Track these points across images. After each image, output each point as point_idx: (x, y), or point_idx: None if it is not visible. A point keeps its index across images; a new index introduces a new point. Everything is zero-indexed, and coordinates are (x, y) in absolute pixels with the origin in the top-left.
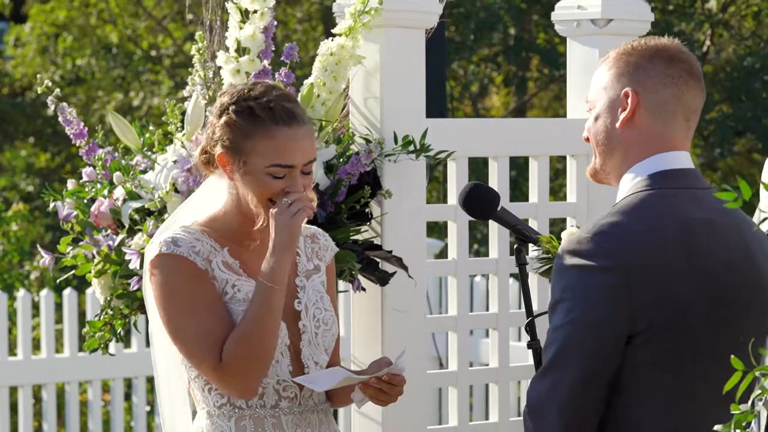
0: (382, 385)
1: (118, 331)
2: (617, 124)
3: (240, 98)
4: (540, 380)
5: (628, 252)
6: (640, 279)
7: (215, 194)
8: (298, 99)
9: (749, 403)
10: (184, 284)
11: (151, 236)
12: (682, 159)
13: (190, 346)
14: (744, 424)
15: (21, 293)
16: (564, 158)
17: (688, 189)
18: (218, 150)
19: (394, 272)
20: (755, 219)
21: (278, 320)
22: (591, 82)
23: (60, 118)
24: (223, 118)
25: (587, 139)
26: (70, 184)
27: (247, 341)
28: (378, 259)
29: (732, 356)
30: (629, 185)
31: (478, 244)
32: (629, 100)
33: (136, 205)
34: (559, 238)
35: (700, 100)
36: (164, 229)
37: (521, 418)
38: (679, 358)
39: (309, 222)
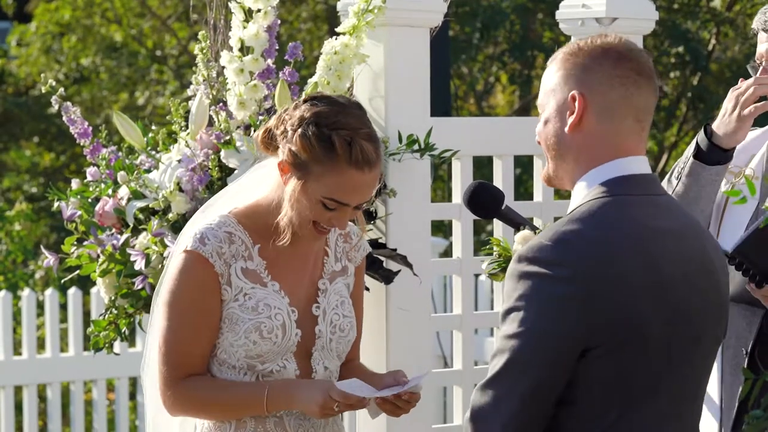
0: (398, 401)
1: (123, 331)
2: (566, 129)
3: (323, 123)
4: (486, 389)
5: (587, 263)
6: (598, 292)
7: (266, 181)
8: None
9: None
10: (192, 290)
11: (156, 236)
12: (639, 164)
13: (163, 343)
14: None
15: (26, 292)
16: None
17: (646, 196)
18: (284, 154)
19: (399, 271)
20: None
21: (239, 417)
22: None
23: (64, 118)
24: (301, 131)
25: (539, 143)
26: (75, 183)
27: (207, 405)
28: (382, 258)
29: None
30: (584, 192)
31: (482, 243)
32: (576, 104)
33: (141, 204)
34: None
35: (653, 99)
36: (209, 205)
37: None
38: (632, 373)
39: None
